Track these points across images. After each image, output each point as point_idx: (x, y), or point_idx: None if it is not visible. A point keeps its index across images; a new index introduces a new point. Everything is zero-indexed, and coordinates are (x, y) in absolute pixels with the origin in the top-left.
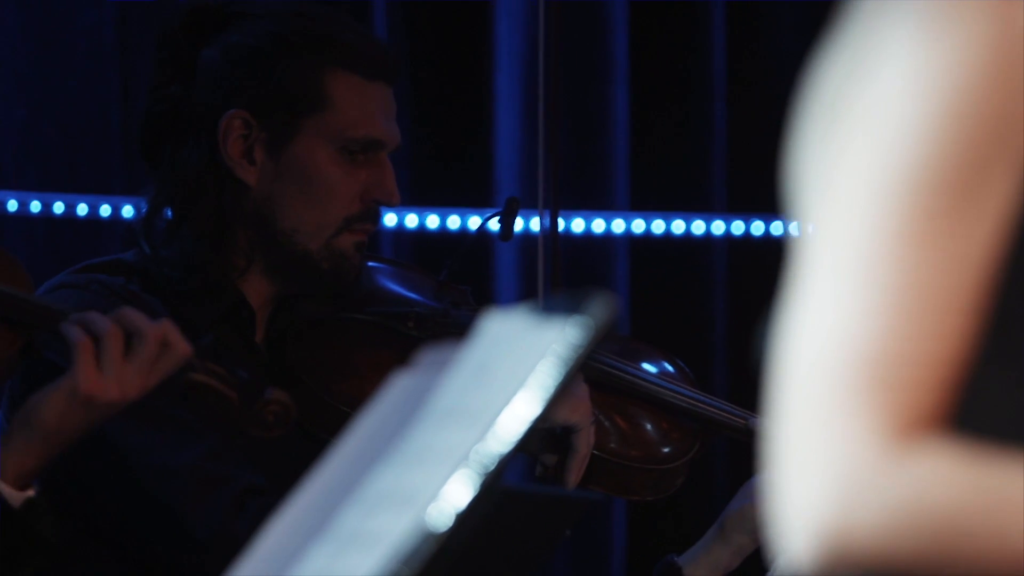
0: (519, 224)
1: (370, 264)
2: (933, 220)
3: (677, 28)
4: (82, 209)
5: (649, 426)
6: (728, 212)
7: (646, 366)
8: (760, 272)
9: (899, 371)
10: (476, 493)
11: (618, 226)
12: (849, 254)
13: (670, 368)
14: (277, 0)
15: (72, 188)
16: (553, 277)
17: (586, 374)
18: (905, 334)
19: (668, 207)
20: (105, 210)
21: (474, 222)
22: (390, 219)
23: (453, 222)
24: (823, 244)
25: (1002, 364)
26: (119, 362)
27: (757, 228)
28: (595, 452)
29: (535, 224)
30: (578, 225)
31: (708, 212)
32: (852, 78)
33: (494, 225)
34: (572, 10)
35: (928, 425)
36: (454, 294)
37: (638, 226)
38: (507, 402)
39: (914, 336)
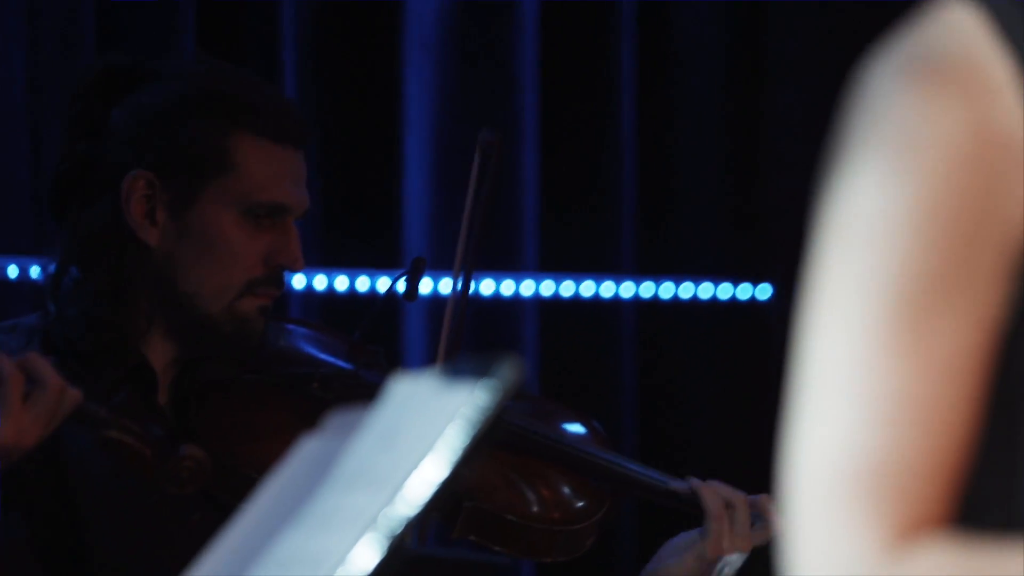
0: (426, 285)
1: (281, 325)
2: (915, 329)
3: (587, 87)
4: None
5: (560, 487)
6: (637, 274)
7: (558, 426)
8: (669, 334)
9: (895, 479)
10: (383, 557)
11: (527, 288)
12: (838, 367)
13: (582, 428)
14: (190, 61)
15: None
16: (462, 339)
17: (496, 435)
18: (898, 443)
19: (577, 269)
20: (13, 271)
21: (384, 284)
22: (299, 280)
23: (362, 283)
24: (813, 355)
25: (998, 451)
26: (17, 407)
27: (666, 290)
28: (505, 515)
29: (444, 286)
30: (487, 287)
31: (617, 274)
32: (832, 195)
33: (400, 286)
34: (483, 72)
35: (928, 525)
36: (366, 355)
37: (547, 288)
38: (415, 466)
39: (907, 444)
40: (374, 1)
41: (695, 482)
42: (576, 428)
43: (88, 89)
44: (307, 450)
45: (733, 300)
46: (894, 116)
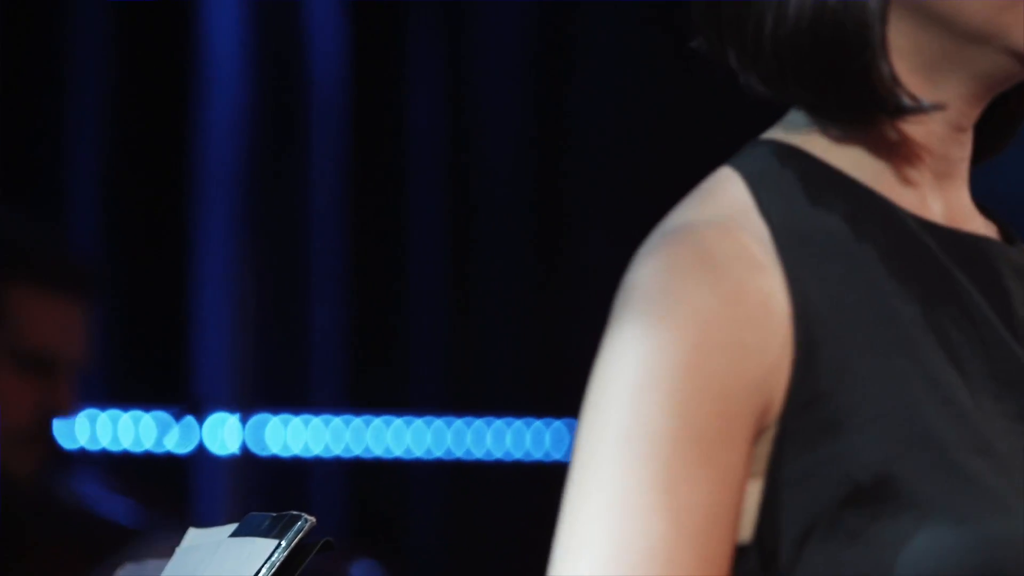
0: (224, 442)
1: (64, 480)
2: (666, 489)
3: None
4: None
5: None
6: (443, 413)
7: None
8: (477, 490)
9: None
10: None
11: (322, 447)
12: (592, 522)
13: None
14: None
15: None
16: (255, 496)
17: None
18: None
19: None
20: None
21: (171, 435)
22: (82, 426)
23: (147, 431)
24: (572, 507)
25: None
26: None
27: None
28: None
29: (233, 442)
30: (281, 444)
31: (422, 413)
32: (599, 359)
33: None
34: (271, 246)
35: None
36: (159, 511)
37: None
38: None
39: None
40: (165, 136)
41: None
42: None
43: None
44: None
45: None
46: (655, 288)
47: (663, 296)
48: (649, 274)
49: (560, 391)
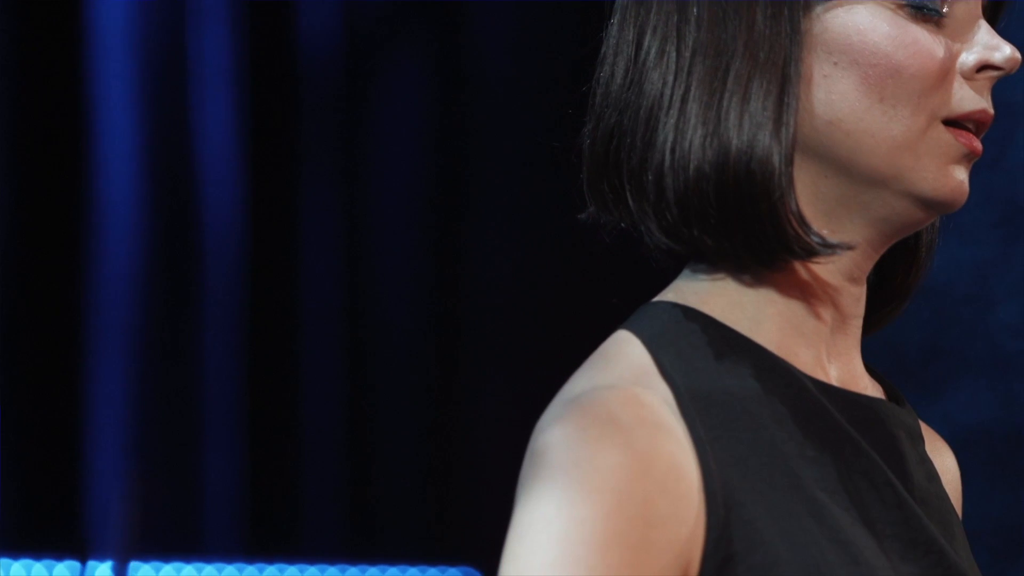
0: None
1: None
2: None
3: None
4: None
5: None
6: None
7: None
8: None
9: None
10: None
11: None
12: None
13: None
14: None
15: None
16: None
17: None
18: None
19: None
20: None
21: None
22: None
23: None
24: None
25: None
26: None
27: None
28: None
29: None
30: None
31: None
32: (513, 522)
33: None
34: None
35: None
36: None
37: None
38: None
39: None
40: (54, 282)
41: None
42: None
43: None
44: None
45: None
46: (565, 457)
47: (574, 466)
48: (557, 442)
49: (455, 539)
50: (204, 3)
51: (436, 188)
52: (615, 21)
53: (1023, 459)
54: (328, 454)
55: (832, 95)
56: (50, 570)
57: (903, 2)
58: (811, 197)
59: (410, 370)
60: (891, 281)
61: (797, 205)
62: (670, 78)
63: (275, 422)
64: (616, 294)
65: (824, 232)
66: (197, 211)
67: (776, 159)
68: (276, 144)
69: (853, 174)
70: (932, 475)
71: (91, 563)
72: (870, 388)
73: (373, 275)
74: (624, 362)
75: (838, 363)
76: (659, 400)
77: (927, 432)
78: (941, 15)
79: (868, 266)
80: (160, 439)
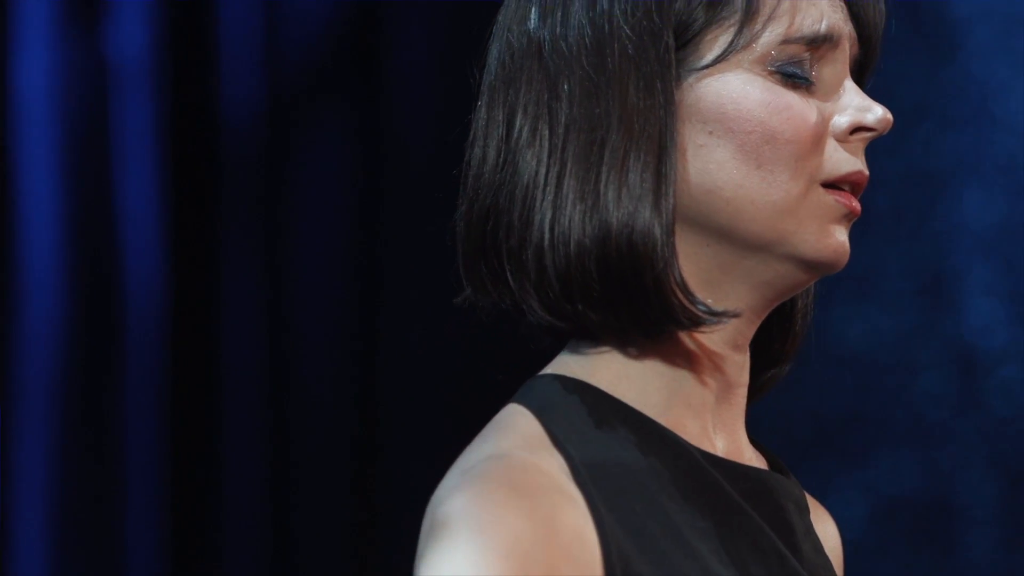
0: None
1: None
2: None
3: None
4: None
5: None
6: None
7: None
8: None
9: None
10: None
11: None
12: None
13: None
14: None
15: None
16: None
17: None
18: None
19: None
20: None
21: None
22: None
23: None
24: None
25: None
26: None
27: None
28: None
29: None
30: None
31: None
32: None
33: None
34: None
35: None
36: None
37: None
38: None
39: None
40: None
41: None
42: None
43: None
44: None
45: None
46: (469, 523)
47: (479, 532)
48: (459, 510)
49: None
50: (126, 68)
51: (357, 252)
52: (483, 103)
53: (946, 528)
54: (251, 519)
55: (709, 164)
56: None
57: (773, 68)
58: (693, 267)
59: (334, 435)
60: (769, 348)
61: (681, 275)
62: (544, 156)
63: (197, 487)
64: (501, 370)
65: (708, 301)
66: (119, 277)
67: (658, 231)
68: (198, 209)
69: (735, 240)
70: (818, 547)
71: None
72: (755, 459)
73: (296, 339)
74: (518, 432)
75: (724, 434)
76: (557, 467)
77: (810, 500)
78: (811, 83)
79: (751, 333)
80: (80, 507)
